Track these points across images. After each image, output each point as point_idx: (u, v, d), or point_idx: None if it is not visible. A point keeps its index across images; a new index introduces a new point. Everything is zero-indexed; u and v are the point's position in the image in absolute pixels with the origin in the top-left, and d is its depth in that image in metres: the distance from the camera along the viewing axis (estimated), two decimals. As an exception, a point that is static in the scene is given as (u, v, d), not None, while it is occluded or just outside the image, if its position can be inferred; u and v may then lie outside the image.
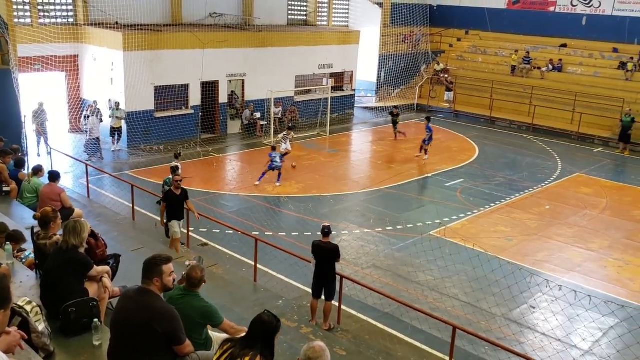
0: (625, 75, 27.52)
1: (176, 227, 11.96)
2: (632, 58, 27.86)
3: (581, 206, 17.54)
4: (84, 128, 20.07)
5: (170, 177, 13.25)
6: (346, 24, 31.71)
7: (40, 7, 20.37)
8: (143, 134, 20.73)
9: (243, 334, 4.64)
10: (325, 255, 9.64)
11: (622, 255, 14.30)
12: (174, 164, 14.24)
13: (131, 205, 14.09)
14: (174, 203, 11.94)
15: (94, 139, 19.35)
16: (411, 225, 15.36)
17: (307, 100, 26.68)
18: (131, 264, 7.75)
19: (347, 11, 31.93)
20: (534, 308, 11.62)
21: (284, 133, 20.31)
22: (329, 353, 4.03)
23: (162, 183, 13.90)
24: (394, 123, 24.62)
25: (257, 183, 17.81)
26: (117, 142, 20.39)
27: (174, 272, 4.93)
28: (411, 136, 24.54)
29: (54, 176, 10.86)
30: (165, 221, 12.22)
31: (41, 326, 5.06)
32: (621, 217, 16.85)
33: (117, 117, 20.02)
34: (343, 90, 28.59)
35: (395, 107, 26.26)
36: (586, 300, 10.73)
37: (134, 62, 20.06)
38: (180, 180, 12.05)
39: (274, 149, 18.39)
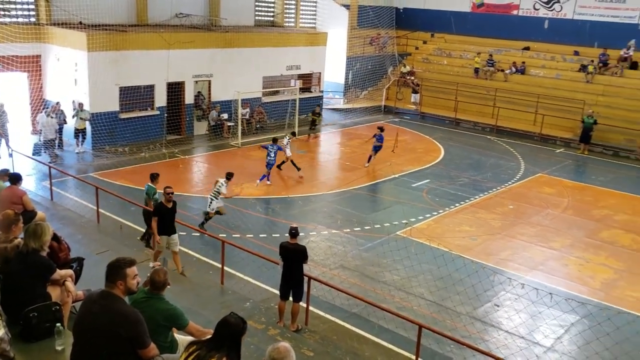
0: (586, 78, 28.21)
1: (163, 243, 11.32)
2: (592, 61, 28.58)
3: (543, 206, 17.94)
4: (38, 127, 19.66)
5: (151, 184, 12.77)
6: (313, 25, 31.78)
7: (0, 6, 19.91)
8: (108, 135, 20.42)
9: (209, 336, 4.64)
10: (293, 256, 9.66)
11: (583, 253, 14.67)
12: (221, 180, 14.34)
13: (96, 207, 13.89)
14: (164, 216, 11.24)
15: (47, 140, 18.96)
16: (378, 226, 15.50)
17: (275, 102, 26.66)
18: (95, 267, 7.62)
19: (314, 13, 31.99)
20: (497, 306, 11.84)
21: (288, 138, 19.69)
22: (293, 354, 4.05)
23: (144, 191, 12.95)
24: (313, 122, 24.37)
25: (261, 182, 18.03)
26: (81, 144, 20.04)
27: (137, 275, 4.90)
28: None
29: (16, 178, 10.61)
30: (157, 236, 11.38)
31: (0, 332, 4.97)
32: (582, 216, 17.29)
33: (81, 119, 19.69)
34: (311, 92, 28.65)
35: (319, 105, 26.17)
36: (548, 297, 10.99)
37: (99, 63, 19.75)
38: (172, 193, 11.36)
39: (274, 140, 18.34)
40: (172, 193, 11.35)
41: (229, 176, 14.67)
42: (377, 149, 20.83)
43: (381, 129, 21.17)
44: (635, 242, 15.53)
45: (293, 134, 20.87)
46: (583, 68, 28.59)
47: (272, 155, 18.07)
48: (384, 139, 21.10)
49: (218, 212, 14.36)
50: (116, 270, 4.77)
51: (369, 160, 20.81)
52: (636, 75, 27.41)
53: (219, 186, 14.29)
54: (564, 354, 10.35)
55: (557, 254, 14.55)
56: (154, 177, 12.79)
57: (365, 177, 19.78)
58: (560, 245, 15.05)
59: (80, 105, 19.65)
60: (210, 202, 14.27)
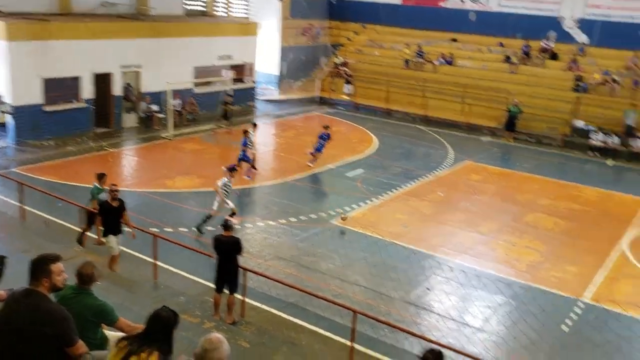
0: (510, 69, 29.27)
1: (113, 242, 11.03)
2: (516, 52, 29.67)
3: (471, 192, 18.55)
4: None
5: (97, 184, 12.28)
6: (246, 15, 31.46)
7: None
8: (32, 129, 19.55)
9: (140, 331, 4.57)
10: (227, 249, 9.61)
11: (510, 237, 15.29)
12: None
13: (19, 204, 13.30)
14: (109, 216, 10.92)
15: None
16: (314, 216, 15.60)
17: (207, 93, 26.25)
18: (20, 265, 7.33)
19: (246, 3, 31.68)
20: (429, 290, 12.19)
21: (252, 133, 18.75)
22: (227, 345, 4.03)
23: (90, 192, 12.24)
24: (225, 114, 24.14)
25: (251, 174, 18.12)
26: (3, 138, 19.14)
27: (64, 272, 4.75)
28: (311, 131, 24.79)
29: None
30: (102, 237, 11.08)
31: None
32: (508, 201, 18.00)
33: (1, 112, 18.78)
34: (244, 82, 28.39)
35: (228, 94, 25.48)
36: (477, 280, 11.42)
37: (20, 53, 18.91)
38: (117, 190, 11.00)
39: (245, 132, 18.03)
40: (117, 191, 11.02)
41: (232, 169, 14.31)
42: (320, 148, 19.80)
43: (326, 127, 20.29)
44: (557, 225, 16.32)
45: (254, 124, 20.05)
46: (507, 59, 29.64)
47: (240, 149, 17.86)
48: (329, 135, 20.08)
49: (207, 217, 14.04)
50: (40, 266, 4.61)
51: (312, 161, 19.79)
52: (556, 66, 28.67)
53: (221, 182, 14.00)
54: (493, 333, 10.78)
55: (485, 238, 15.10)
56: (100, 177, 12.14)
57: (300, 168, 19.82)
58: (488, 229, 15.62)
59: (-1, 97, 18.76)
60: (227, 202, 13.92)
